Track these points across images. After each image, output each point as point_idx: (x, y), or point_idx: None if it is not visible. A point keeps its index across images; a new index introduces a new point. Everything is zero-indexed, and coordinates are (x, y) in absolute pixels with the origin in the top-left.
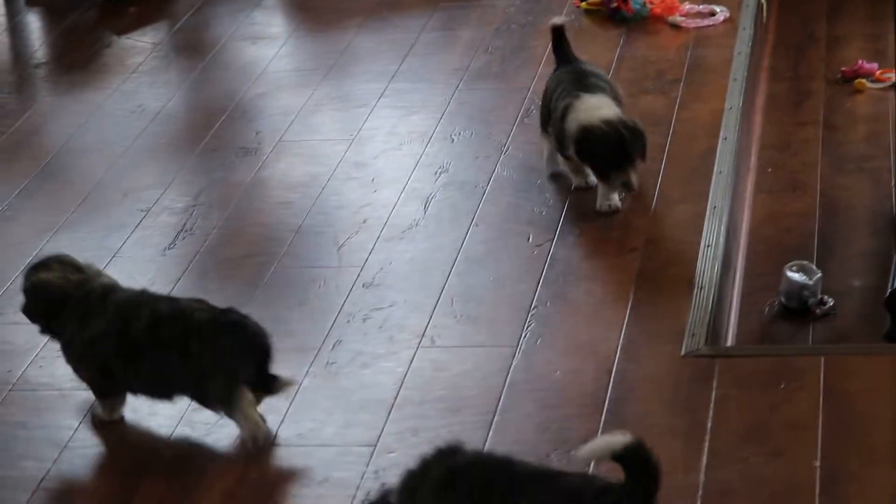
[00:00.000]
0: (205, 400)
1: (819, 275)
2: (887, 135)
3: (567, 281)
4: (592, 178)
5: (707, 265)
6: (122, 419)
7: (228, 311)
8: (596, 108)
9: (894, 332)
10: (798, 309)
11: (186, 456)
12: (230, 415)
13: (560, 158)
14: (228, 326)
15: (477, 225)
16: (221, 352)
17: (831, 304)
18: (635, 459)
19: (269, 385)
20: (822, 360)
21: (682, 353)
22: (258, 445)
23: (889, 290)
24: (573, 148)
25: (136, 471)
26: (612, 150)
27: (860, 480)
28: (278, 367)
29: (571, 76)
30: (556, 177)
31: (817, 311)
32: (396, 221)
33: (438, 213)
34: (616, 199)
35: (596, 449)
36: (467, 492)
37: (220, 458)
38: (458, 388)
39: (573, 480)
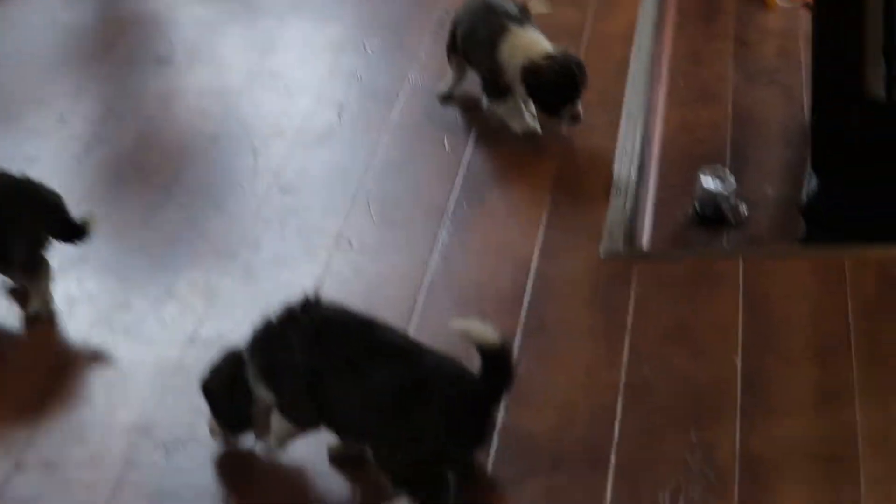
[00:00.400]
0: (9, 267)
1: (733, 183)
2: (798, 51)
3: (484, 185)
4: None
5: (624, 170)
6: None
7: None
8: (531, 42)
9: (809, 240)
10: (712, 217)
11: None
12: (30, 284)
13: (489, 102)
14: (23, 192)
15: (392, 131)
16: (21, 217)
17: (745, 211)
18: (498, 360)
19: (77, 230)
20: (741, 263)
21: (601, 254)
22: (42, 321)
23: (805, 198)
24: (522, 87)
25: None
26: (564, 87)
27: (779, 379)
28: (196, 271)
29: (480, 4)
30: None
31: (731, 218)
32: (312, 128)
33: (353, 121)
34: (535, 122)
35: (468, 330)
36: (330, 346)
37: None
38: (376, 288)
39: (431, 359)
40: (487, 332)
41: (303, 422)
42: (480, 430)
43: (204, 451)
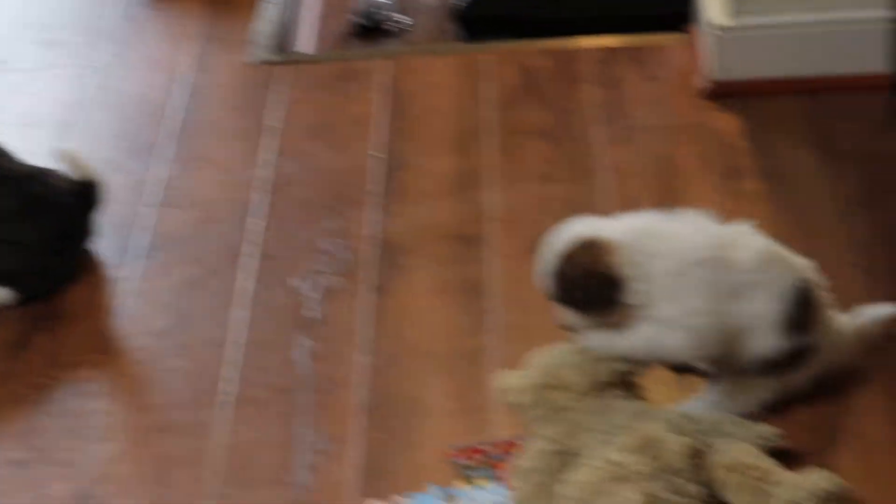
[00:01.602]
0: None
1: None
2: None
3: (139, 1)
4: None
5: None
6: None
7: None
8: None
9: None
10: (372, 27)
11: None
12: None
13: None
14: None
15: None
16: None
17: (407, 21)
18: (89, 189)
19: None
20: (388, 63)
21: (251, 60)
22: None
23: (458, 3)
24: None
25: None
26: None
27: (418, 168)
28: None
29: None
30: None
31: (392, 27)
32: None
33: None
34: None
35: (73, 157)
36: None
37: None
38: (32, 108)
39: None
40: (87, 166)
41: None
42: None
43: None
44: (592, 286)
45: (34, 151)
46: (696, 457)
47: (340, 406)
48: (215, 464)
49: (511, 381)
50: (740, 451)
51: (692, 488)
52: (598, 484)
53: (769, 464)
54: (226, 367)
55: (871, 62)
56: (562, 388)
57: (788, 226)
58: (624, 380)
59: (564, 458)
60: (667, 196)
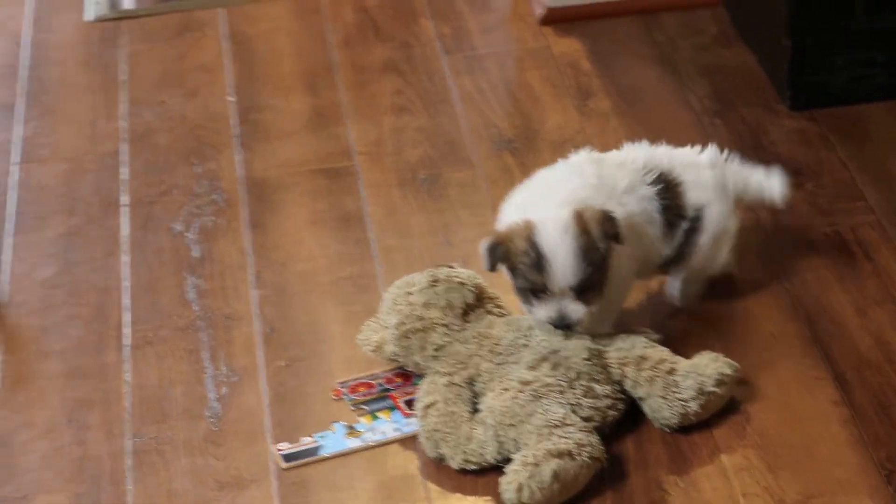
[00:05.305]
0: None
1: None
2: None
3: None
4: None
5: None
6: None
7: None
8: None
9: None
10: None
11: None
12: None
13: None
14: None
15: None
16: None
17: None
18: None
19: None
20: (221, 11)
21: (89, 18)
22: None
23: None
24: None
25: None
26: None
27: (273, 108)
28: None
29: None
30: None
31: None
32: None
33: None
34: None
35: None
36: None
37: None
38: None
39: None
40: None
41: None
42: None
43: None
44: (614, 224)
45: None
46: (597, 357)
47: (239, 339)
48: (127, 404)
49: (373, 337)
50: (638, 346)
51: (602, 388)
52: (519, 406)
53: (668, 354)
54: (121, 310)
55: None
56: (429, 328)
57: (653, 141)
58: (479, 298)
59: (461, 387)
60: (523, 120)
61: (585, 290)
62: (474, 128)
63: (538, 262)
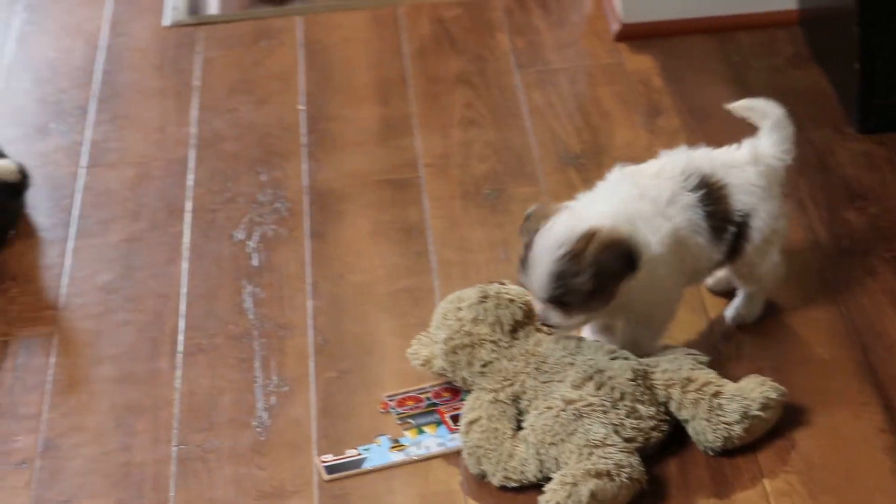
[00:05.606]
0: None
1: None
2: None
3: None
4: None
5: None
6: None
7: None
8: None
9: None
10: None
11: None
12: None
13: None
14: None
15: None
16: None
17: None
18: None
19: None
20: (300, 18)
21: (166, 24)
22: None
23: None
24: None
25: None
26: None
27: (343, 118)
28: None
29: None
30: None
31: None
32: None
33: None
34: None
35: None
36: None
37: None
38: None
39: None
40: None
41: None
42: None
43: None
44: (615, 260)
45: None
46: (642, 378)
47: (292, 349)
48: (176, 410)
49: (422, 351)
50: (685, 367)
51: (646, 409)
52: (560, 424)
53: (714, 376)
54: (177, 317)
55: (777, 0)
56: (477, 344)
57: None
58: (528, 315)
59: (506, 404)
60: (592, 136)
61: (563, 304)
62: (542, 143)
63: (525, 260)
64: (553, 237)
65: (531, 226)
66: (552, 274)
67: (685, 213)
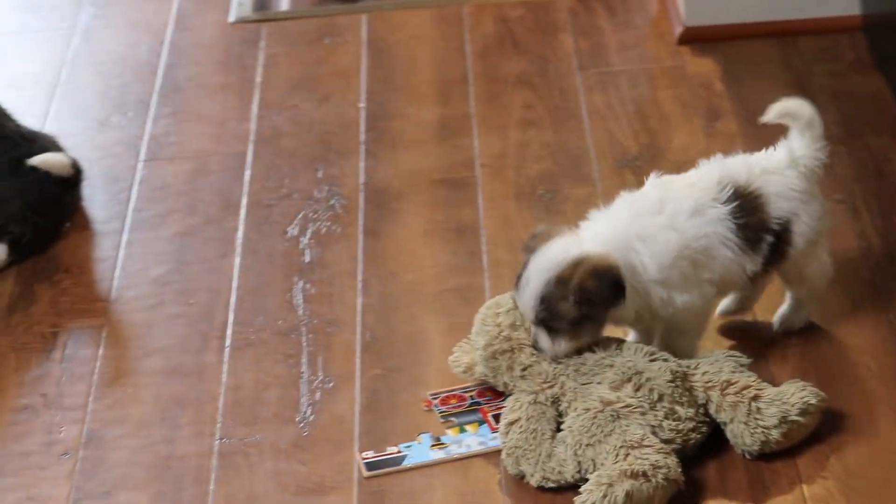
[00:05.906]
0: None
1: None
2: None
3: None
4: None
5: None
6: None
7: None
8: None
9: None
10: None
11: None
12: None
13: None
14: None
15: None
16: None
17: None
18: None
19: None
20: (365, 16)
21: (231, 19)
22: None
23: None
24: None
25: None
26: None
27: (402, 117)
28: None
29: None
30: None
31: None
32: None
33: None
34: None
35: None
36: None
37: None
38: (18, 70)
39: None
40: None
41: None
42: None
43: None
44: (600, 289)
45: (24, 111)
46: (682, 380)
47: (339, 345)
48: (220, 404)
49: (463, 359)
50: (726, 370)
51: (685, 411)
52: (598, 425)
53: (754, 380)
54: (227, 311)
55: (841, 5)
56: (516, 348)
57: None
58: None
59: (545, 405)
60: (650, 139)
61: (551, 329)
62: (599, 144)
63: (520, 278)
64: (545, 260)
65: (532, 245)
66: (539, 297)
67: (710, 226)
